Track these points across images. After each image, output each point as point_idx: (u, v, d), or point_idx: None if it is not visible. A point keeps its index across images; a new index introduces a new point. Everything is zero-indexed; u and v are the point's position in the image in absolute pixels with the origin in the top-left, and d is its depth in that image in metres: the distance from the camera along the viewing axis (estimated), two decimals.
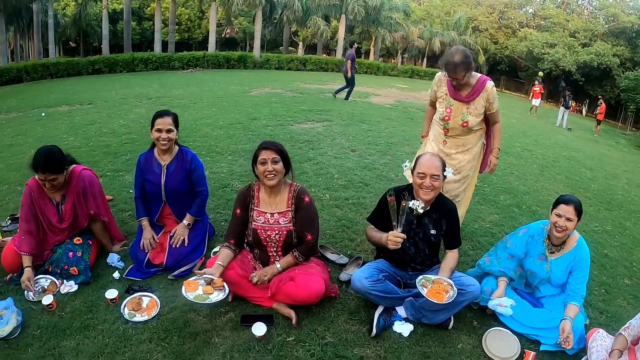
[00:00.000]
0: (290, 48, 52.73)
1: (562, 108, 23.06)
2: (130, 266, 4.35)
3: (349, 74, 16.41)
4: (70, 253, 4.15)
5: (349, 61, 16.34)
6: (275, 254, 3.81)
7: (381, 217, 3.81)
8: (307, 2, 38.66)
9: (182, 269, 4.25)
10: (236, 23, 54.91)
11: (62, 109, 13.24)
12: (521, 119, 20.55)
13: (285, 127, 10.60)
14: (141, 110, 12.45)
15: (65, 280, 4.06)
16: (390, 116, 13.76)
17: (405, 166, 4.01)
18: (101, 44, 44.33)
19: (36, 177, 4.00)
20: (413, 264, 3.86)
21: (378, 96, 18.70)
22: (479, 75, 4.58)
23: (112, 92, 17.02)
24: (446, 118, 4.68)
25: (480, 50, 46.73)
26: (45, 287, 4.00)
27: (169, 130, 4.28)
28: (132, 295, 3.85)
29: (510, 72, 53.50)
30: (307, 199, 3.74)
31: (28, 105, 14.42)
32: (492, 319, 3.89)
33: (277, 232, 3.71)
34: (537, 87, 25.66)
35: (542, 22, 51.53)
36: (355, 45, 18.30)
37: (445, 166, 3.67)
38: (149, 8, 55.14)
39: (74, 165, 4.28)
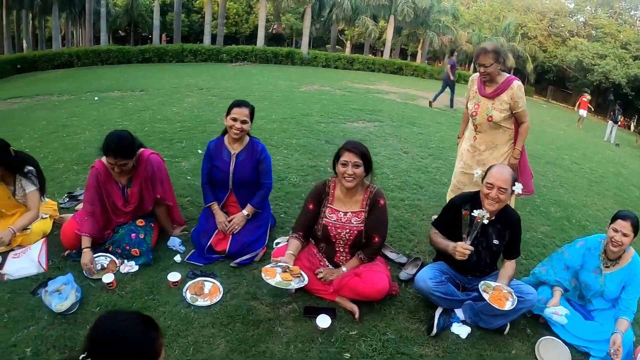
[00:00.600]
0: (336, 46, 52.69)
1: (610, 122, 22.39)
2: (192, 251, 4.34)
3: (451, 78, 17.25)
4: (133, 234, 4.13)
5: (449, 67, 17.36)
6: (342, 250, 3.82)
7: (447, 224, 3.82)
8: (357, 1, 38.46)
9: (244, 258, 4.21)
10: (283, 19, 55.17)
11: (114, 95, 13.41)
12: (568, 131, 20.06)
13: (338, 125, 10.47)
14: (193, 99, 12.50)
15: (125, 260, 4.04)
16: (440, 120, 13.53)
17: (477, 174, 3.89)
18: (150, 34, 45.09)
19: (103, 160, 3.98)
20: (473, 270, 3.85)
21: (426, 99, 18.31)
22: (508, 75, 4.78)
23: (162, 80, 17.22)
24: (474, 114, 4.92)
25: (529, 58, 45.78)
26: (105, 265, 3.97)
27: (244, 121, 4.21)
28: (195, 280, 3.83)
29: (558, 82, 52.10)
30: (382, 202, 3.73)
31: (80, 89, 14.62)
32: (544, 327, 3.89)
33: (347, 230, 3.69)
34: (586, 98, 25.26)
35: (592, 32, 50.08)
36: (455, 53, 20.23)
37: (515, 180, 3.61)
38: (197, 1, 55.83)
39: (142, 149, 4.23)
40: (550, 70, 50.88)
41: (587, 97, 25.22)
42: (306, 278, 3.48)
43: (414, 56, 57.10)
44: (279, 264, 3.48)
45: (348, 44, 51.27)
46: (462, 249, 3.48)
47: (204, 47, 30.33)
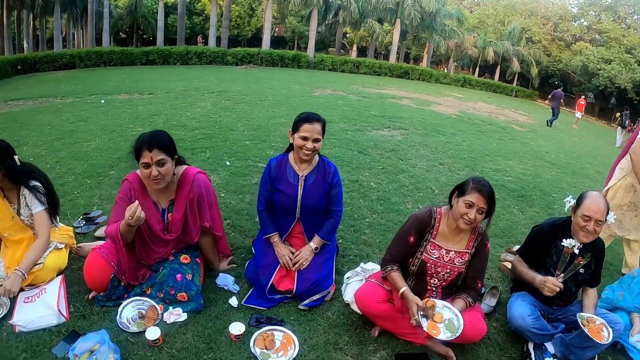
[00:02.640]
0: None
1: (619, 128, 22.04)
2: (250, 291, 3.69)
3: (558, 108, 21.07)
4: (178, 275, 3.43)
5: (558, 98, 21.57)
6: (433, 290, 3.35)
7: (533, 253, 3.64)
8: (363, 5, 37.91)
9: (314, 298, 3.59)
10: (286, 22, 54.62)
11: (121, 97, 12.91)
12: (581, 137, 19.72)
13: (364, 133, 9.95)
14: (207, 103, 12.03)
15: (171, 307, 3.35)
16: (462, 128, 13.06)
17: (568, 202, 3.55)
18: (152, 35, 44.60)
19: (139, 172, 3.32)
20: (558, 300, 3.57)
21: (439, 105, 18.04)
22: None
23: (170, 83, 16.71)
24: None
25: (533, 62, 45.28)
26: (144, 312, 3.26)
27: (316, 140, 3.54)
28: (261, 330, 3.20)
29: (560, 86, 51.50)
30: (488, 245, 3.37)
31: (85, 91, 14.11)
32: (622, 354, 3.60)
33: (448, 271, 3.26)
34: (583, 101, 25.93)
35: (596, 36, 49.38)
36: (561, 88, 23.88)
37: (609, 209, 3.38)
38: (199, 3, 55.37)
39: (186, 167, 3.54)
40: (554, 74, 50.24)
41: (583, 100, 25.96)
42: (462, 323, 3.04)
43: (416, 60, 56.67)
44: (420, 312, 3.03)
45: (354, 48, 50.76)
46: (553, 285, 3.23)
47: (209, 49, 29.89)
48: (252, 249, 4.19)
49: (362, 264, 3.83)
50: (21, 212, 3.58)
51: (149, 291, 3.45)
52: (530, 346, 3.41)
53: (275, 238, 3.81)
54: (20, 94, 14.05)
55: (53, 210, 3.68)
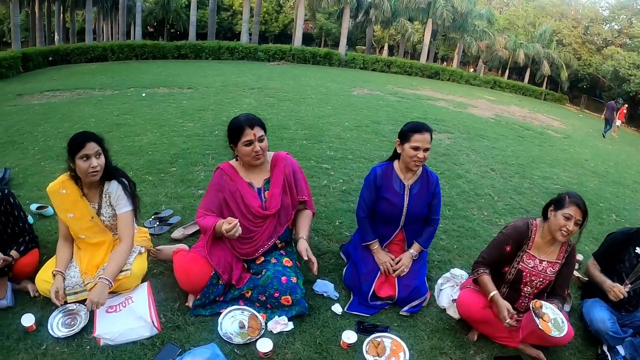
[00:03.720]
0: (363, 47, 51.87)
1: None
2: (352, 298, 3.65)
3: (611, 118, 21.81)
4: (284, 278, 3.31)
5: (611, 109, 22.04)
6: (527, 297, 3.41)
7: (607, 258, 3.82)
8: (395, 3, 37.52)
9: (413, 304, 3.60)
10: (311, 19, 54.50)
11: (160, 91, 12.83)
12: (614, 145, 19.09)
13: None
14: (251, 100, 11.91)
15: (276, 315, 3.23)
16: (502, 132, 12.73)
17: None
18: (181, 30, 44.72)
19: (232, 162, 3.50)
20: (627, 305, 3.63)
21: (475, 108, 17.72)
22: None
23: (207, 78, 16.62)
24: None
25: (563, 66, 44.51)
26: (245, 322, 3.10)
27: (426, 149, 3.52)
28: (371, 337, 3.17)
29: (590, 91, 50.69)
30: (577, 257, 3.67)
31: (122, 84, 14.08)
32: None
33: (541, 279, 3.34)
34: (625, 109, 24.93)
35: (627, 41, 48.45)
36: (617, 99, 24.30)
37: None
38: None
39: (275, 152, 3.66)
40: (584, 78, 49.35)
41: (625, 108, 24.96)
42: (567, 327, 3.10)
43: (444, 60, 56.16)
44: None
45: (385, 47, 50.44)
46: (619, 292, 3.38)
47: (241, 44, 29.72)
48: (341, 253, 4.25)
49: (451, 270, 3.88)
50: (102, 212, 3.38)
51: (249, 294, 3.32)
52: (605, 348, 3.47)
53: (376, 245, 3.78)
54: (55, 85, 14.04)
55: (136, 211, 3.49)
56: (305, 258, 3.31)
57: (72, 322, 3.03)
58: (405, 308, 3.56)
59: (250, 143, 3.24)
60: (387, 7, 36.77)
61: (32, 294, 3.32)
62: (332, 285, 3.69)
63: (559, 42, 48.28)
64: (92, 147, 3.11)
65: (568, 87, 47.70)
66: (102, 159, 3.18)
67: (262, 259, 3.51)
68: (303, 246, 3.37)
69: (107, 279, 3.06)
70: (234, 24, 59.52)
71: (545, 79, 46.95)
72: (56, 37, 40.69)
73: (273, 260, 3.47)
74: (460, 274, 3.81)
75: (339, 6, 36.74)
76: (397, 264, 3.72)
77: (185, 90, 13.01)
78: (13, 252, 3.33)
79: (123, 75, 16.85)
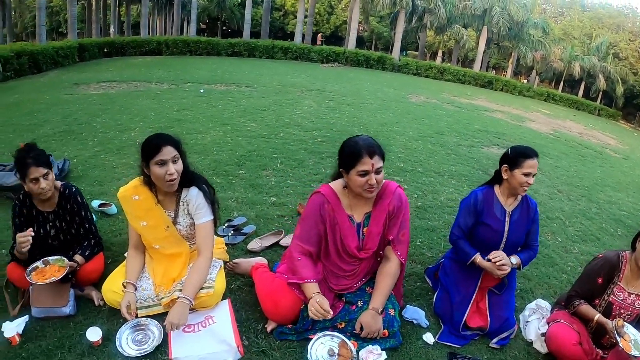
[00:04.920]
0: (415, 53, 51.41)
1: None
2: (443, 327, 3.45)
3: None
4: None
5: None
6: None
7: None
8: (450, 10, 37.02)
9: (503, 336, 3.42)
10: (364, 23, 54.45)
11: (218, 88, 12.80)
12: None
13: (477, 149, 9.35)
14: (311, 102, 11.73)
15: (369, 344, 2.96)
16: (563, 150, 12.27)
17: None
18: (234, 28, 45.15)
19: (333, 184, 3.15)
20: None
21: (532, 121, 17.22)
22: None
23: (263, 77, 16.58)
24: None
25: (619, 80, 43.30)
26: (335, 349, 2.84)
27: (534, 175, 3.35)
28: None
29: None
30: None
31: (178, 79, 14.11)
32: None
33: (629, 312, 3.22)
34: None
35: None
36: None
37: None
38: None
39: (385, 180, 3.14)
40: None
41: None
42: None
43: (496, 69, 55.26)
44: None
45: (439, 53, 49.92)
46: None
47: (295, 45, 29.67)
48: (426, 277, 4.06)
49: (536, 301, 3.76)
50: (179, 221, 3.14)
51: (342, 326, 3.05)
52: None
53: (479, 258, 3.48)
54: (112, 76, 14.19)
55: (216, 221, 3.23)
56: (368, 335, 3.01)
57: (143, 339, 2.81)
58: (495, 340, 3.40)
59: (365, 174, 2.86)
60: (443, 12, 36.27)
61: (96, 303, 3.14)
62: (423, 313, 3.48)
63: (615, 56, 47.03)
64: (169, 152, 2.86)
65: (623, 103, 46.37)
66: (180, 165, 2.93)
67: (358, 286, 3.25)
68: (368, 322, 2.97)
69: (187, 299, 2.82)
70: (286, 23, 59.96)
71: (600, 93, 45.71)
72: (111, 29, 41.59)
73: (368, 290, 3.21)
74: (545, 306, 3.67)
75: (393, 9, 36.44)
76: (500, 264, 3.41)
77: (242, 89, 12.93)
78: (78, 257, 3.15)
79: (178, 70, 16.94)
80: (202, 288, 2.97)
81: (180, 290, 2.91)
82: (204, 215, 3.08)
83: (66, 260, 3.04)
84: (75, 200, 3.24)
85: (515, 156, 3.35)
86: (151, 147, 2.87)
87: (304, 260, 3.01)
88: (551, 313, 3.51)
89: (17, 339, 2.77)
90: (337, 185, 3.14)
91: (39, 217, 3.20)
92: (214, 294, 3.01)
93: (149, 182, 3.03)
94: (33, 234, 2.93)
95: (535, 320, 3.55)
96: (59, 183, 3.24)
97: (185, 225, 3.15)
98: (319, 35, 53.64)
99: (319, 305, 2.77)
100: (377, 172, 2.88)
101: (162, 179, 2.88)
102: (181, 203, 3.11)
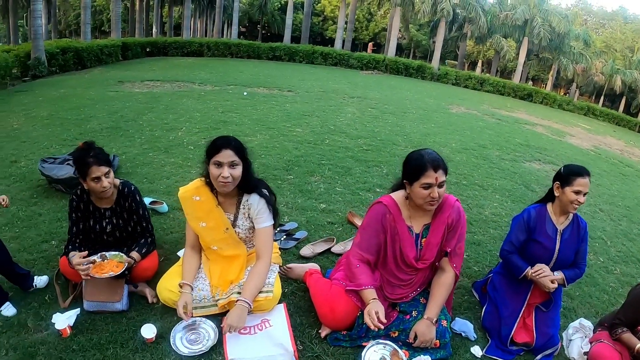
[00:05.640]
0: (453, 62, 51.06)
1: None
2: (490, 341, 3.46)
3: None
4: None
5: None
6: None
7: None
8: (491, 20, 36.68)
9: (547, 353, 3.41)
10: (404, 31, 54.36)
11: (260, 91, 12.94)
12: None
13: (519, 164, 9.18)
14: (353, 109, 11.74)
15: (420, 354, 2.98)
16: (604, 167, 11.96)
17: None
18: (275, 31, 45.59)
19: (394, 195, 3.17)
20: None
21: (573, 137, 16.87)
22: None
23: (304, 82, 16.67)
24: None
25: None
26: (387, 358, 2.86)
27: (585, 194, 3.38)
28: None
29: None
30: None
31: (221, 80, 14.28)
32: None
33: None
34: None
35: None
36: None
37: None
38: (319, 4, 55.91)
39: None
40: None
41: None
42: None
43: (534, 80, 54.56)
44: None
45: (479, 63, 49.49)
46: None
47: (335, 51, 29.82)
48: (473, 291, 4.06)
49: (580, 320, 3.69)
50: (238, 224, 3.20)
51: (396, 335, 3.07)
52: None
53: (530, 271, 3.51)
54: (155, 75, 14.49)
55: (275, 226, 3.28)
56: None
57: (197, 339, 2.86)
58: (539, 357, 3.40)
59: (429, 186, 2.91)
60: (483, 22, 35.90)
61: (150, 300, 3.20)
62: (472, 326, 3.48)
63: None
64: (227, 155, 2.90)
65: None
66: (237, 171, 2.95)
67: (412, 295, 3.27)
68: (423, 331, 2.99)
69: (247, 302, 2.87)
70: (325, 29, 60.09)
71: None
72: (154, 29, 42.53)
73: (422, 300, 3.23)
74: (588, 325, 3.62)
75: (433, 18, 36.28)
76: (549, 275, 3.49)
77: (285, 93, 13.03)
78: (134, 254, 3.21)
79: (221, 72, 17.14)
80: (260, 292, 3.01)
81: (239, 293, 2.96)
82: (265, 221, 3.13)
83: (124, 256, 3.11)
84: (133, 199, 3.30)
85: (567, 174, 3.40)
86: (212, 147, 2.95)
87: (362, 267, 3.05)
88: (594, 333, 3.49)
89: (68, 331, 2.82)
90: (398, 196, 3.16)
91: (95, 213, 3.26)
92: (272, 298, 3.05)
93: (211, 184, 3.07)
94: (88, 258, 3.00)
95: (578, 339, 3.54)
96: (117, 180, 3.29)
97: (244, 228, 3.20)
98: (370, 44, 53.68)
99: (374, 316, 2.80)
100: (440, 185, 2.91)
101: (215, 179, 2.94)
102: (242, 207, 3.16)
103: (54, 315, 2.87)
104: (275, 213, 3.23)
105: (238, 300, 2.88)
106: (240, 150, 2.98)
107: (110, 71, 15.98)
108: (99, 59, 18.24)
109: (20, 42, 28.71)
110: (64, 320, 2.81)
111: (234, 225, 3.19)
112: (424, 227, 3.18)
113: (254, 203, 3.12)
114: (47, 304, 3.13)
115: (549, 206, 3.61)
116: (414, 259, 3.16)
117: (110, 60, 19.19)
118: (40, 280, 3.29)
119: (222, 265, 3.20)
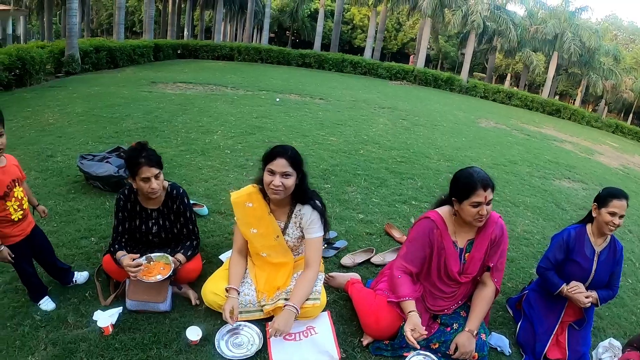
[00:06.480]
0: (481, 74, 50.73)
1: None
2: (524, 357, 3.51)
3: None
4: None
5: None
6: None
7: None
8: (522, 33, 36.38)
9: None
10: (433, 42, 54.20)
11: (292, 97, 13.05)
12: None
13: (550, 182, 9.11)
14: (385, 120, 11.78)
15: None
16: (632, 188, 11.66)
17: None
18: (305, 38, 45.79)
19: (440, 210, 3.24)
20: None
21: (601, 155, 16.61)
22: None
23: (335, 90, 16.74)
24: None
25: None
26: None
27: (621, 216, 3.45)
28: None
29: None
30: None
31: (252, 85, 14.44)
32: None
33: None
34: None
35: None
36: None
37: None
38: (348, 12, 55.93)
39: None
40: None
41: None
42: None
43: (562, 96, 53.95)
44: None
45: (508, 77, 49.08)
46: None
47: (364, 60, 29.83)
48: (507, 307, 4.09)
49: (610, 340, 3.69)
50: (288, 232, 3.27)
51: (436, 346, 3.11)
52: None
53: (566, 288, 3.57)
54: (187, 77, 14.63)
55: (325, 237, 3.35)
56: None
57: (240, 342, 2.92)
58: None
59: (478, 205, 2.99)
60: (514, 35, 35.49)
61: (193, 302, 3.26)
62: (508, 341, 3.52)
63: None
64: (281, 165, 2.94)
65: None
66: (290, 181, 2.99)
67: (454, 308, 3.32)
68: (463, 343, 3.01)
69: (295, 307, 2.93)
70: (353, 37, 60.13)
71: None
72: (185, 32, 43.01)
73: (463, 314, 3.29)
74: (617, 345, 3.64)
75: (463, 30, 36.12)
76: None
77: (317, 101, 13.12)
78: (180, 256, 3.27)
79: (252, 77, 17.30)
80: (307, 299, 3.07)
81: (286, 299, 3.02)
82: (316, 231, 3.19)
83: (170, 257, 3.18)
84: (181, 202, 3.36)
85: (605, 195, 3.49)
86: (269, 154, 3.02)
87: (404, 278, 3.11)
88: (622, 353, 3.52)
89: (110, 329, 2.87)
90: (444, 211, 3.23)
91: (142, 214, 3.32)
92: (319, 305, 3.12)
93: (264, 190, 3.13)
94: (137, 260, 3.07)
95: (607, 359, 3.58)
96: (166, 182, 3.34)
97: (294, 237, 3.27)
98: (412, 56, 53.59)
99: (413, 332, 2.83)
100: (488, 203, 3.00)
101: (267, 185, 3.00)
102: (293, 216, 3.23)
103: (95, 313, 2.93)
104: (326, 225, 3.28)
105: (286, 305, 2.93)
106: (295, 161, 3.03)
107: (142, 71, 16.26)
108: (131, 58, 18.60)
109: (53, 39, 29.27)
110: (106, 318, 2.87)
111: (283, 233, 3.26)
112: (468, 242, 3.24)
113: (307, 214, 3.18)
114: (88, 300, 3.19)
115: (589, 227, 3.66)
116: (458, 273, 3.22)
117: (142, 60, 19.56)
118: (80, 276, 3.37)
119: (268, 272, 3.28)
